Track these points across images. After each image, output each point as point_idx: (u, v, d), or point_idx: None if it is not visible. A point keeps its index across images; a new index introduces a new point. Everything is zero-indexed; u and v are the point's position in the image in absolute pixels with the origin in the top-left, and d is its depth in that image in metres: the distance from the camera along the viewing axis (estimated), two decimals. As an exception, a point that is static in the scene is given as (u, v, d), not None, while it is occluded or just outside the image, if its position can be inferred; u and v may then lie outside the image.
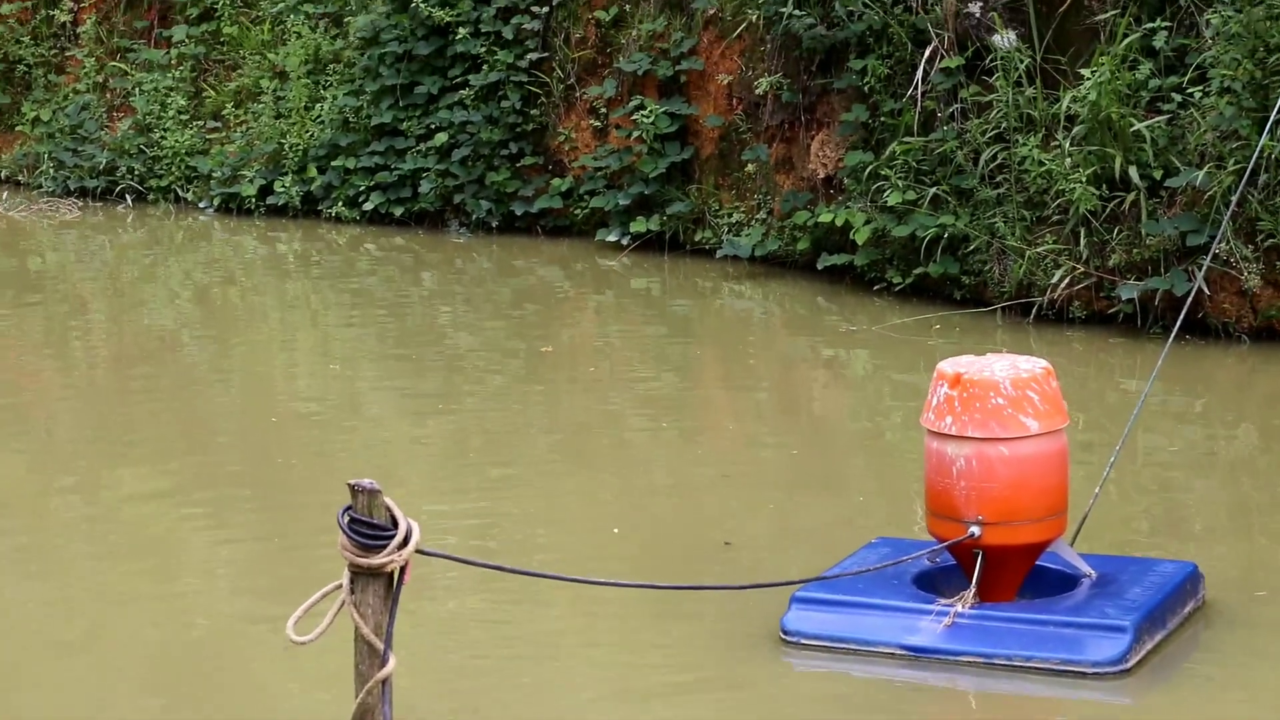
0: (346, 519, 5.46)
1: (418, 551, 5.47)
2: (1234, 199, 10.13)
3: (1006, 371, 6.51)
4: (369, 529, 5.43)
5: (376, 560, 5.44)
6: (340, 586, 5.50)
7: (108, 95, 16.57)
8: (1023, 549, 6.55)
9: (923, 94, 11.87)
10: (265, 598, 7.34)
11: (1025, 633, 6.40)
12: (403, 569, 5.46)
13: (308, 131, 15.06)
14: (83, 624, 7.20)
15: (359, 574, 5.48)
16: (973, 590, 6.53)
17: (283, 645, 6.09)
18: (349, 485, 5.48)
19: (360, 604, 5.48)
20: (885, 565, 6.75)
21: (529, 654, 6.81)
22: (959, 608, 6.51)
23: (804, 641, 6.61)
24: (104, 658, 6.88)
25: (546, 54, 14.21)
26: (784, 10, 12.44)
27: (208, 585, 7.58)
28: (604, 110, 13.92)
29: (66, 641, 7.04)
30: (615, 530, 8.07)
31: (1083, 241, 11.06)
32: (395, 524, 5.47)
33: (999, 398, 6.45)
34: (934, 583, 6.74)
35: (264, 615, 7.10)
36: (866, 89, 12.17)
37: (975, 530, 6.46)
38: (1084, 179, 10.95)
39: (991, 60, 11.62)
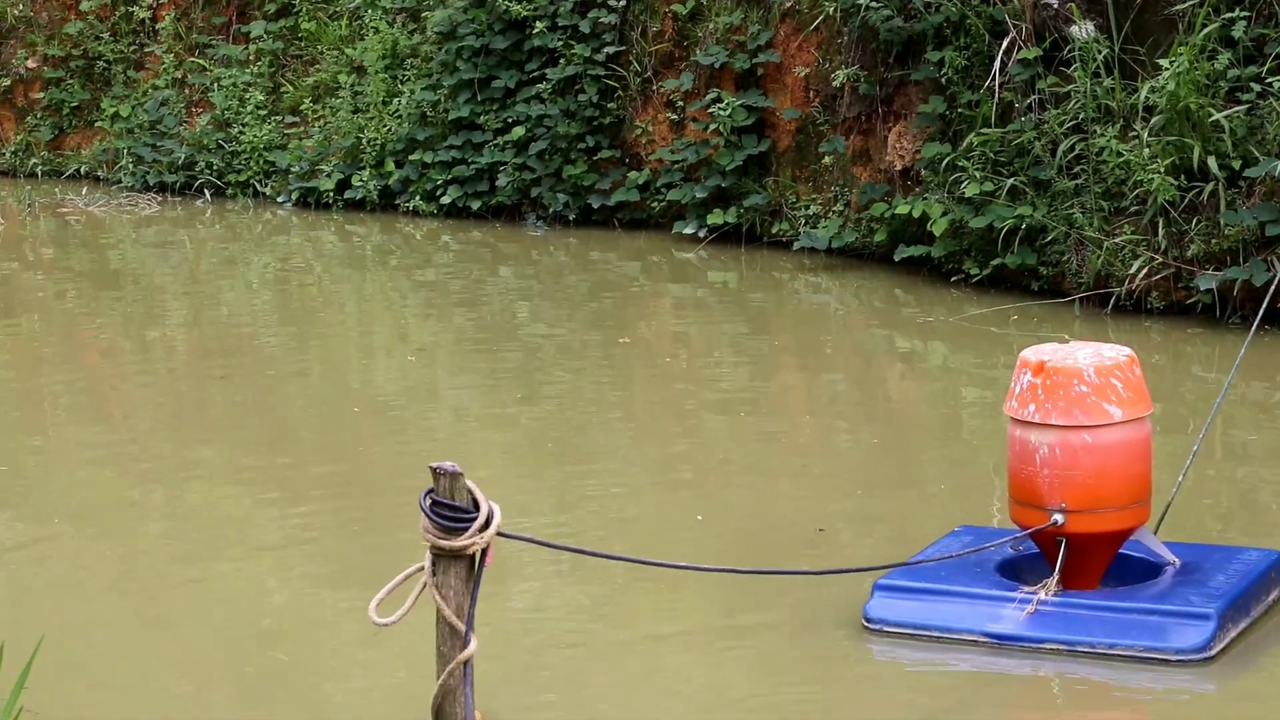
0: (428, 501, 5.49)
1: (499, 534, 5.49)
2: (1315, 188, 10.08)
3: (1090, 359, 6.47)
4: (451, 511, 5.46)
5: (458, 543, 5.47)
6: (422, 569, 5.53)
7: (186, 91, 16.67)
8: (1106, 536, 6.51)
9: (1000, 85, 11.83)
10: (345, 581, 7.37)
11: (1109, 620, 6.37)
12: (484, 551, 5.48)
13: (385, 126, 15.12)
14: (162, 608, 7.25)
15: (441, 556, 5.50)
16: (1056, 578, 6.50)
17: (362, 627, 6.13)
18: (431, 468, 5.50)
19: (442, 586, 5.50)
20: (968, 552, 6.73)
21: (608, 638, 6.82)
22: (1042, 595, 6.48)
23: (886, 629, 6.60)
24: (184, 642, 6.92)
25: (623, 47, 14.22)
26: (861, 2, 12.42)
27: (287, 569, 7.62)
28: (681, 103, 13.91)
29: (146, 626, 7.09)
30: (699, 517, 8.07)
31: (1161, 232, 11.00)
32: (477, 507, 5.49)
33: (1082, 385, 6.42)
34: (1017, 570, 6.71)
35: (344, 598, 7.13)
36: (944, 80, 12.13)
37: (1059, 518, 6.43)
38: (1162, 169, 10.89)
39: (1069, 51, 11.57)
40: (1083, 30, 11.48)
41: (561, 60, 14.26)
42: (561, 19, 14.25)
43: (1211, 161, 10.83)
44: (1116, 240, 11.16)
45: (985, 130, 11.79)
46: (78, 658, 6.71)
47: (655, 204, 13.98)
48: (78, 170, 17.08)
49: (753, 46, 13.55)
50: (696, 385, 10.36)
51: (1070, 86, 11.52)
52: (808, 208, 13.24)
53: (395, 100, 15.12)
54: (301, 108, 15.90)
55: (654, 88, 14.12)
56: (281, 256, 14.24)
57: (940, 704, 6.22)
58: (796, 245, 13.08)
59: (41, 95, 17.36)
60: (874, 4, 12.36)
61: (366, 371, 11.14)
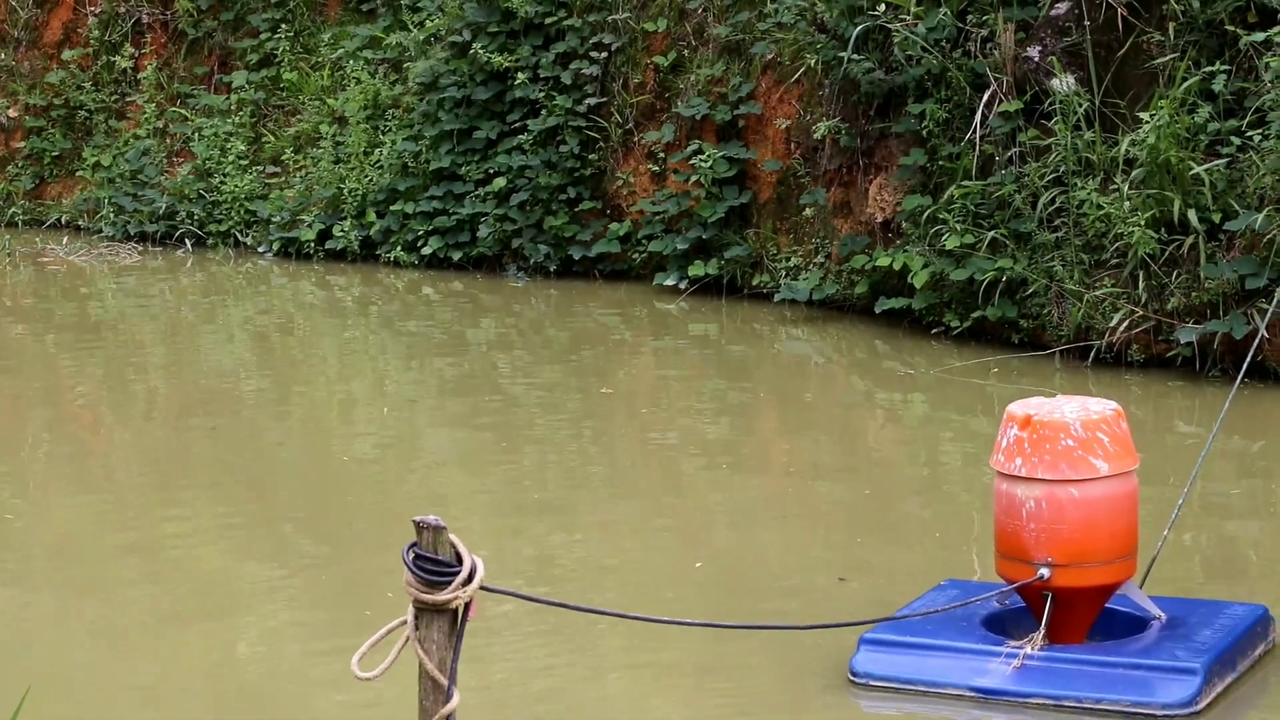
0: (411, 555, 5.45)
1: (482, 588, 5.45)
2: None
3: (1076, 413, 6.47)
4: (434, 565, 5.42)
5: (441, 596, 5.43)
6: (405, 623, 5.49)
7: (168, 141, 16.66)
8: (1092, 591, 6.50)
9: (981, 138, 11.86)
10: (327, 634, 7.33)
11: (1095, 675, 6.36)
12: (467, 605, 5.45)
13: (366, 176, 15.11)
14: (143, 663, 7.20)
15: (424, 610, 5.46)
16: (1042, 632, 6.49)
17: (345, 681, 6.08)
18: (414, 522, 5.47)
19: (425, 640, 5.46)
20: (954, 606, 6.71)
21: (589, 693, 6.79)
22: (1028, 649, 6.47)
23: (873, 683, 6.57)
24: (166, 696, 6.88)
25: (605, 99, 14.24)
26: (842, 55, 12.45)
27: (269, 622, 7.58)
28: (662, 155, 13.93)
29: (128, 681, 7.04)
30: (698, 565, 8.05)
31: (1141, 285, 11.01)
32: (460, 560, 5.46)
33: (1069, 439, 6.41)
34: (1003, 624, 6.70)
35: (326, 651, 7.09)
36: (925, 133, 12.15)
37: (1045, 572, 6.41)
38: (1142, 222, 10.91)
39: (1050, 104, 11.60)
40: (1063, 84, 11.52)
41: (543, 111, 14.27)
42: (543, 70, 14.27)
43: (1191, 215, 10.86)
44: (1097, 293, 11.17)
45: (966, 183, 11.81)
46: (59, 714, 6.65)
47: (636, 255, 13.98)
48: (58, 219, 17.06)
49: (734, 98, 13.58)
50: (678, 437, 10.34)
51: (1051, 140, 11.55)
52: (788, 259, 13.25)
53: (377, 151, 15.12)
54: (283, 158, 15.90)
55: (635, 139, 14.14)
56: (262, 307, 14.21)
57: (925, 759, 6.20)
58: (777, 297, 13.07)
59: (23, 144, 17.34)
60: (855, 56, 12.39)
61: (347, 423, 11.10)
